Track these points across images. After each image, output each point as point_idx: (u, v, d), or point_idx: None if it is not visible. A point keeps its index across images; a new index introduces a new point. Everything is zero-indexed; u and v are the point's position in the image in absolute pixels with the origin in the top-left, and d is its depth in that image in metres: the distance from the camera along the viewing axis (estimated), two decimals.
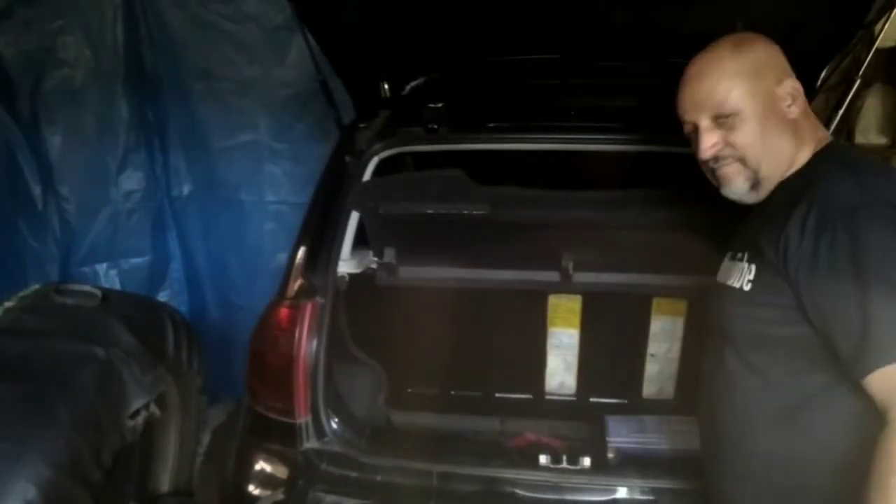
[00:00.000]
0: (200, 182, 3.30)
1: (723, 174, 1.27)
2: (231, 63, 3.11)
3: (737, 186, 1.27)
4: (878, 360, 1.01)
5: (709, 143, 1.25)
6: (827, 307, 1.08)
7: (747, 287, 1.19)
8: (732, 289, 1.22)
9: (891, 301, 1.02)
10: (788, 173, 1.24)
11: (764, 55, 1.26)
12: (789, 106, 1.24)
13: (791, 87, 1.25)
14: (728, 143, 1.24)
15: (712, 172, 1.29)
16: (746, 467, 1.22)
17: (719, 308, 1.27)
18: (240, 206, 3.28)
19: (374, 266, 2.10)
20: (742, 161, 1.24)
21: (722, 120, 1.24)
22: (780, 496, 1.19)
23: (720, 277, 1.31)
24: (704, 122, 1.25)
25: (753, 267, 1.19)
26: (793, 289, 1.11)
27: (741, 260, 1.23)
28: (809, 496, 1.15)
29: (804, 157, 1.24)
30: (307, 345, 1.69)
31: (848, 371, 1.06)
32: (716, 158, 1.26)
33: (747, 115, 1.22)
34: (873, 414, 1.03)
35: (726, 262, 1.31)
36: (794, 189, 1.18)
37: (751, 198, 1.28)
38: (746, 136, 1.23)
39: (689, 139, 1.33)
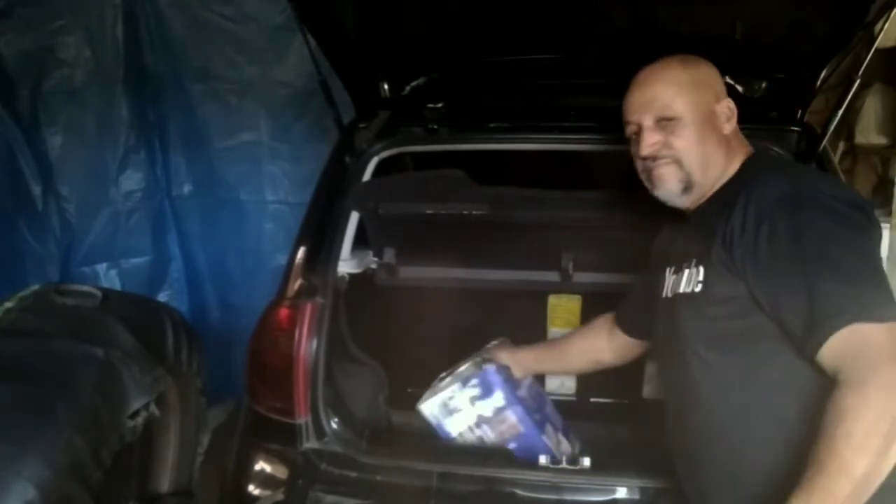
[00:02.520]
0: (201, 182, 3.30)
1: (658, 174, 1.36)
2: (231, 63, 3.11)
3: (670, 186, 1.36)
4: (824, 333, 1.06)
5: (650, 140, 1.35)
6: (774, 291, 1.13)
7: (698, 289, 1.24)
8: (684, 295, 1.28)
9: (830, 276, 1.08)
10: (719, 184, 1.34)
11: (706, 74, 1.38)
12: (726, 122, 1.36)
13: (727, 106, 1.37)
14: (667, 145, 1.34)
15: (648, 173, 1.38)
16: (726, 466, 1.24)
17: (673, 318, 1.31)
18: (239, 206, 3.29)
19: (374, 266, 2.10)
20: (678, 163, 1.34)
21: (664, 123, 1.34)
22: (757, 492, 1.20)
23: (668, 292, 1.37)
24: (648, 122, 1.35)
25: (701, 268, 1.24)
26: (741, 279, 1.17)
27: (687, 267, 1.29)
28: (786, 488, 1.15)
29: (733, 168, 1.34)
30: (307, 345, 1.69)
31: (802, 351, 1.10)
32: (654, 157, 1.35)
33: (687, 122, 1.33)
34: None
35: (670, 277, 1.37)
36: (729, 193, 1.27)
37: (680, 201, 1.37)
38: (684, 140, 1.33)
39: (629, 141, 1.42)
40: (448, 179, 1.89)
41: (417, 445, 1.84)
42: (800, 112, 1.91)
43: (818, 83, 1.84)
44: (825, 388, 1.07)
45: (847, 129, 3.27)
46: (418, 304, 2.26)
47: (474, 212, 1.86)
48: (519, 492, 1.60)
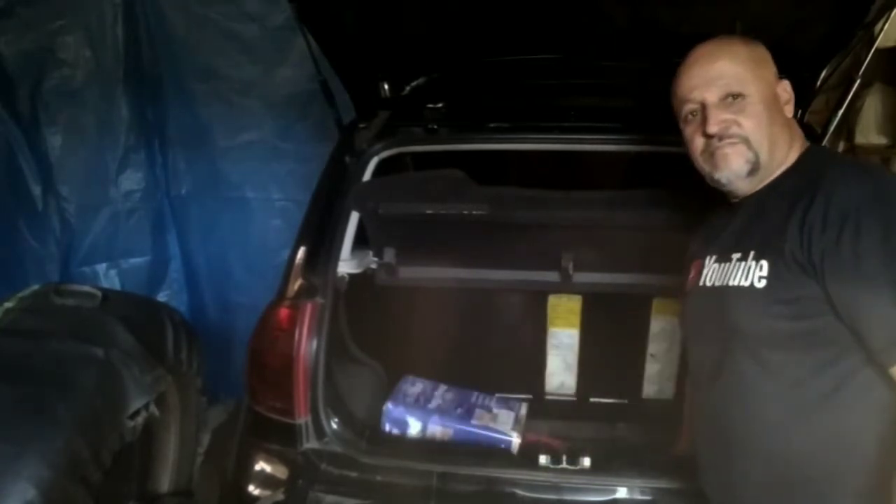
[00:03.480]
0: (201, 181, 3.30)
1: (723, 154, 1.27)
2: (233, 63, 3.11)
3: (736, 167, 1.26)
4: None
5: (719, 117, 1.26)
6: (855, 295, 1.07)
7: (760, 284, 1.16)
8: (740, 289, 1.20)
9: None
10: (779, 171, 1.27)
11: (766, 54, 1.31)
12: (786, 104, 1.30)
13: (785, 88, 1.31)
14: (735, 123, 1.25)
15: (711, 153, 1.28)
16: (767, 469, 1.20)
17: (722, 311, 1.25)
18: (245, 203, 3.30)
19: (374, 266, 2.10)
20: (746, 143, 1.25)
21: (730, 100, 1.26)
22: (799, 496, 1.18)
23: (709, 281, 1.30)
24: (713, 99, 1.27)
25: (764, 263, 1.17)
26: (815, 279, 1.10)
27: (741, 259, 1.22)
28: (830, 494, 1.15)
29: (793, 157, 1.27)
30: (307, 345, 1.69)
31: (877, 359, 1.06)
32: (720, 136, 1.26)
33: (755, 100, 1.25)
34: None
35: (711, 265, 1.31)
36: (793, 184, 1.20)
37: (742, 184, 1.28)
38: (754, 118, 1.25)
39: (684, 121, 1.33)
40: (448, 179, 1.89)
41: (417, 445, 1.85)
42: (800, 112, 1.91)
43: (818, 83, 1.84)
44: (882, 401, 1.06)
45: (847, 129, 3.27)
46: (418, 304, 2.26)
47: (474, 212, 1.86)
48: (519, 492, 1.60)
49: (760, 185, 1.28)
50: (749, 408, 1.22)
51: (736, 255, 1.23)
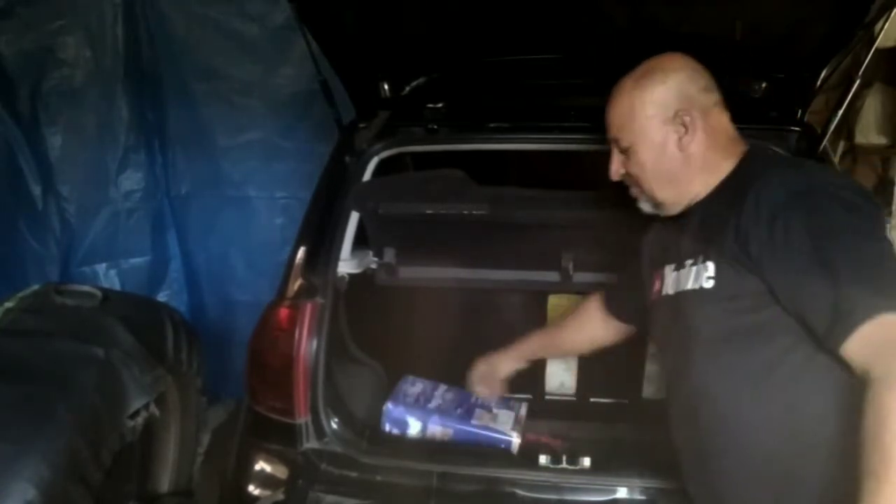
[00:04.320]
0: (202, 181, 3.30)
1: (631, 193, 1.39)
2: (233, 63, 3.12)
3: (643, 206, 1.40)
4: (850, 325, 1.03)
5: (613, 167, 1.38)
6: (794, 285, 1.11)
7: (709, 284, 1.21)
8: (692, 292, 1.25)
9: (854, 267, 1.06)
10: (713, 185, 1.31)
11: (662, 92, 1.31)
12: (683, 137, 1.30)
13: (682, 123, 1.29)
14: (627, 174, 1.36)
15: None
16: (746, 466, 1.21)
17: (680, 315, 1.29)
18: (246, 202, 3.30)
19: (374, 266, 2.10)
20: (639, 187, 1.36)
21: (621, 147, 1.36)
22: (775, 487, 1.18)
23: (669, 289, 1.34)
24: (613, 145, 1.38)
25: (711, 264, 1.22)
26: (756, 274, 1.15)
27: (693, 264, 1.27)
28: (804, 482, 1.15)
29: (726, 168, 1.31)
30: (307, 345, 1.69)
31: (826, 344, 1.08)
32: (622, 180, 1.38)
33: (637, 150, 1.33)
34: (857, 381, 1.03)
35: (671, 274, 1.35)
36: (732, 190, 1.25)
37: (665, 213, 1.38)
38: (637, 167, 1.34)
39: None
40: (448, 179, 1.89)
41: (417, 445, 1.84)
42: (800, 112, 1.91)
43: (818, 83, 1.84)
44: (842, 382, 1.07)
45: (847, 129, 3.27)
46: (418, 304, 2.27)
47: (474, 212, 1.86)
48: (519, 492, 1.60)
49: (699, 198, 1.32)
50: (719, 407, 1.23)
51: (689, 262, 1.28)
